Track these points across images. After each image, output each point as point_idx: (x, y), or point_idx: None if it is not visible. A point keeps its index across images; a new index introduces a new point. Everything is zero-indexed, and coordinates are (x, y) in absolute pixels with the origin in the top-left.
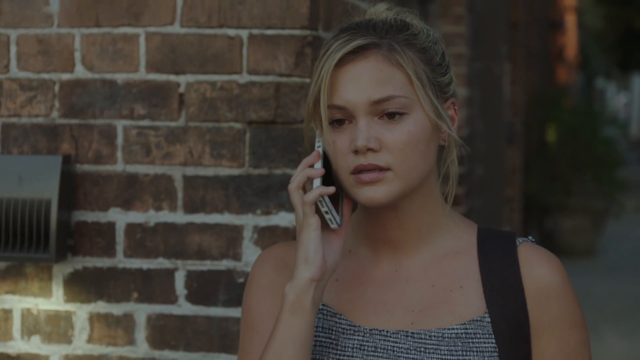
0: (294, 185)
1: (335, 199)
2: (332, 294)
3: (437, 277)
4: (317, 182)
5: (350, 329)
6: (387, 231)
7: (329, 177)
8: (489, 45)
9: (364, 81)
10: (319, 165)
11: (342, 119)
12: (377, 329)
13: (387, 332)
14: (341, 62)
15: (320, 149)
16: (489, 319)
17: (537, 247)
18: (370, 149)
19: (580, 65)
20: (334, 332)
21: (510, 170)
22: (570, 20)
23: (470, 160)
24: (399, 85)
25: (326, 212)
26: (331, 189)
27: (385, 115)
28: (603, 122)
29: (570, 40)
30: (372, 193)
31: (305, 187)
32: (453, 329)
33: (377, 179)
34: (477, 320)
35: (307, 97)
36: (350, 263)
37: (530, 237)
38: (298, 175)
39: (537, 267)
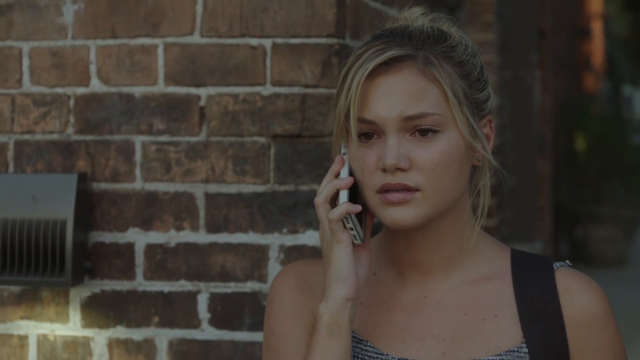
0: (321, 199)
1: (359, 213)
2: (356, 318)
3: (470, 305)
4: (343, 195)
5: (377, 357)
6: (414, 253)
7: (353, 189)
8: (519, 52)
9: (396, 96)
10: (345, 173)
11: (370, 132)
12: (405, 359)
13: None
14: (373, 73)
15: (346, 156)
16: (526, 350)
17: (576, 272)
18: (399, 168)
19: (607, 73)
20: None
21: (539, 180)
22: (597, 28)
23: (502, 171)
24: (434, 101)
25: (351, 228)
26: (358, 208)
27: (418, 132)
28: (632, 129)
29: (597, 48)
30: (399, 214)
31: (331, 198)
32: None
33: (405, 199)
34: (513, 351)
35: (334, 108)
36: (376, 286)
37: (567, 262)
38: (325, 188)
39: (577, 294)
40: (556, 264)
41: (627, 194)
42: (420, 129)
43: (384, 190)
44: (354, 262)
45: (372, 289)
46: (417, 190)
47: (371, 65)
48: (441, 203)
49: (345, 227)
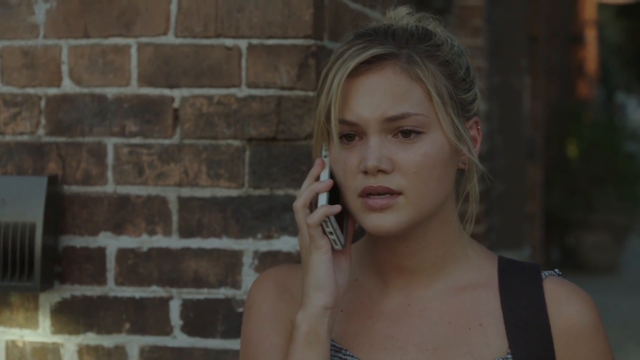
0: (299, 203)
1: (338, 216)
2: (336, 326)
3: (455, 313)
4: (322, 198)
5: None
6: (397, 259)
7: (334, 194)
8: (508, 58)
9: (378, 95)
10: (325, 175)
11: (352, 134)
12: None
13: None
14: (354, 73)
15: (326, 159)
16: None
17: (565, 281)
18: (381, 170)
19: (601, 80)
20: None
21: (530, 186)
22: (591, 34)
23: (490, 177)
24: (417, 101)
25: (330, 233)
26: (337, 208)
27: (400, 133)
28: (624, 136)
29: (591, 54)
30: (381, 221)
31: (312, 203)
32: None
33: (387, 205)
34: None
35: (315, 109)
36: (357, 293)
37: (556, 270)
38: (304, 192)
39: (566, 304)
40: (544, 273)
41: (619, 201)
42: (402, 130)
43: (366, 193)
44: (334, 269)
45: (353, 296)
46: (399, 194)
47: (352, 64)
48: (424, 208)
49: (324, 232)
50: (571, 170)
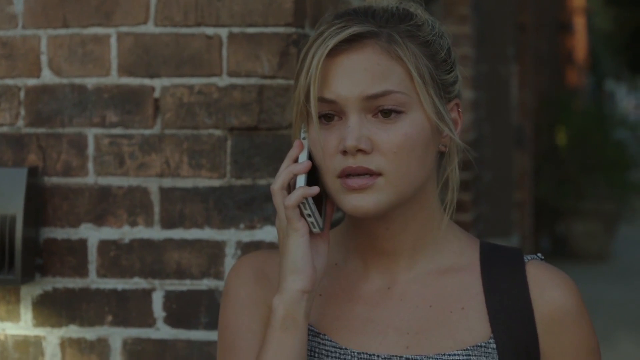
0: (277, 185)
1: (317, 200)
2: (315, 310)
3: (436, 296)
4: (300, 180)
5: (335, 352)
6: (377, 242)
7: (312, 177)
8: (495, 46)
9: (358, 74)
10: (303, 157)
11: (331, 114)
12: (366, 353)
13: (377, 356)
14: (334, 52)
15: (305, 141)
16: (494, 345)
17: (548, 265)
18: (360, 150)
19: (590, 68)
20: (316, 355)
21: (519, 174)
22: (580, 22)
23: (477, 165)
24: (397, 80)
25: (309, 215)
26: (315, 190)
27: (380, 113)
28: (614, 124)
29: (580, 43)
30: (359, 202)
31: (290, 185)
32: (454, 355)
33: (366, 185)
34: (481, 346)
35: (294, 90)
36: (337, 277)
37: (539, 255)
38: (282, 173)
39: (549, 288)
40: (527, 257)
41: (609, 189)
42: (383, 109)
43: (345, 174)
44: (311, 253)
45: (332, 280)
46: (379, 174)
47: (332, 42)
48: (404, 189)
49: (303, 214)
50: (561, 159)
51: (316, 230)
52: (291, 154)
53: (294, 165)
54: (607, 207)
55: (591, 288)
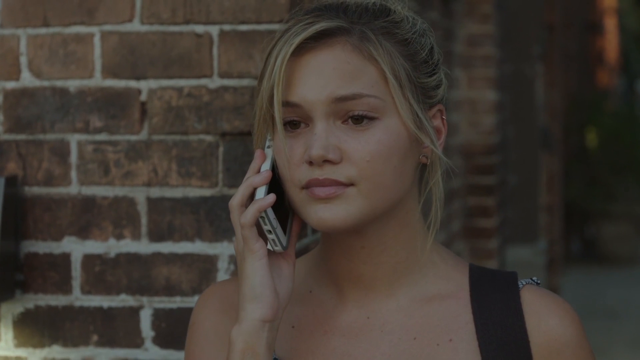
0: (235, 201)
1: (283, 216)
2: (286, 343)
3: (420, 327)
4: (260, 193)
5: None
6: (353, 265)
7: (277, 191)
8: (519, 46)
9: (325, 74)
10: (266, 167)
11: (297, 120)
12: None
13: None
14: (300, 51)
15: (269, 150)
16: None
17: (545, 291)
18: (327, 161)
19: (622, 68)
20: None
21: (548, 177)
22: (611, 23)
23: (502, 168)
24: (370, 82)
25: (269, 232)
26: (270, 199)
27: (350, 119)
28: None
29: (611, 43)
30: (326, 213)
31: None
32: None
33: (334, 194)
34: None
35: (257, 94)
36: (311, 306)
37: (535, 279)
38: (240, 187)
39: (546, 317)
40: (521, 282)
41: None
42: (353, 115)
43: (310, 187)
44: (272, 276)
45: (306, 309)
46: (350, 185)
47: (297, 40)
48: (379, 202)
49: (263, 231)
50: (591, 160)
51: (278, 248)
52: (253, 165)
53: (253, 177)
54: (637, 209)
55: (621, 292)
